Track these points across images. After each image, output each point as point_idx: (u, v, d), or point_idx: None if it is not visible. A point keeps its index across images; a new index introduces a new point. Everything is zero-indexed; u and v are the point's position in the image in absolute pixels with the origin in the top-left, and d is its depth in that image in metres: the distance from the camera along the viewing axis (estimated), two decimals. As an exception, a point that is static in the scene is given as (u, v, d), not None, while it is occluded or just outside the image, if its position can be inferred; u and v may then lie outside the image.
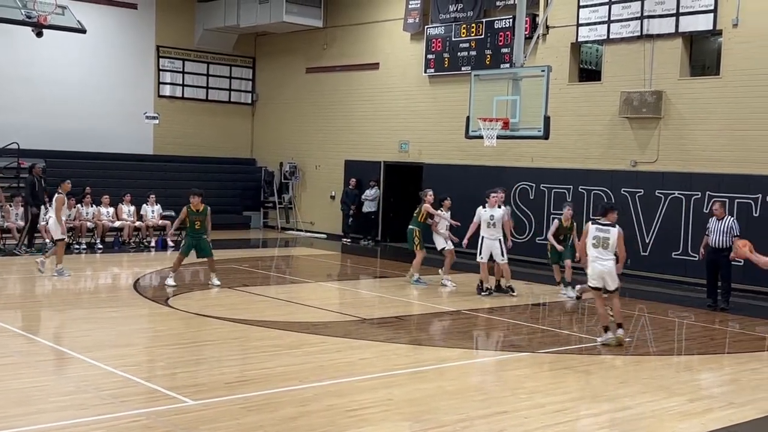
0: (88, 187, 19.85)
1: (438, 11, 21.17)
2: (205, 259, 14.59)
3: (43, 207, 17.54)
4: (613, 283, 10.58)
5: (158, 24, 25.05)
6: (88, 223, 19.30)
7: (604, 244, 10.47)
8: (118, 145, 23.83)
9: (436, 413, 7.58)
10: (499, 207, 14.25)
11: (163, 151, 24.96)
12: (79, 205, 19.31)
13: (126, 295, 13.71)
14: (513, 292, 14.26)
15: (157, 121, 24.25)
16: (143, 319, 12.14)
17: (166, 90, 25.46)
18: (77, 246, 18.81)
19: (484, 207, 14.23)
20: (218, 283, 14.26)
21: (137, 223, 19.94)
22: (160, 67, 25.29)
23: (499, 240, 14.09)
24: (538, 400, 8.14)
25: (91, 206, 19.60)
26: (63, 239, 14.84)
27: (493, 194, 14.24)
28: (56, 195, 14.84)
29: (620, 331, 10.68)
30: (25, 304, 12.69)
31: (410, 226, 15.48)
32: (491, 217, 14.04)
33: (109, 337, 10.63)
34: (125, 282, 15.35)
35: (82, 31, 18.12)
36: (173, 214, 21.35)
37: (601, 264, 10.48)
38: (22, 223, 18.33)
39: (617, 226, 10.69)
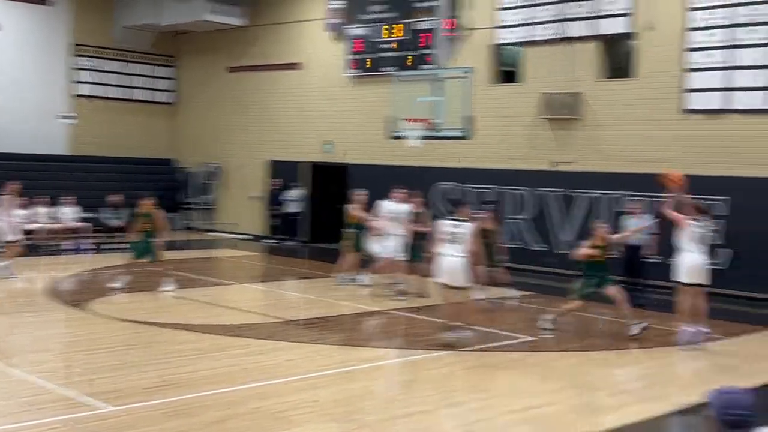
0: None
1: (360, 12, 21.19)
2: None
3: None
4: (461, 280, 10.22)
5: (75, 22, 24.40)
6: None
7: (457, 239, 10.19)
8: (32, 145, 23.12)
9: (361, 413, 7.60)
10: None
11: (82, 152, 24.33)
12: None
13: (42, 299, 13.31)
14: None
15: (73, 121, 23.63)
16: (60, 323, 11.80)
17: (84, 89, 24.82)
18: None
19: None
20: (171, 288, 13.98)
21: (53, 226, 19.39)
22: (78, 66, 24.65)
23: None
24: (461, 397, 8.23)
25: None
26: None
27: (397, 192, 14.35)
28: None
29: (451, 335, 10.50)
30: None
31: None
32: (397, 214, 13.85)
33: (25, 342, 10.32)
34: (41, 286, 14.89)
35: (-4, 28, 17.59)
36: (90, 215, 20.90)
37: (451, 259, 10.19)
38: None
39: (470, 221, 10.55)
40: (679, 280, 10.82)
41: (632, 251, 14.16)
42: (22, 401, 7.50)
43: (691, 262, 10.73)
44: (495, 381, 9.10)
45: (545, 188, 17.83)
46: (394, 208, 13.88)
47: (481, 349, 10.53)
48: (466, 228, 10.16)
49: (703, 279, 10.83)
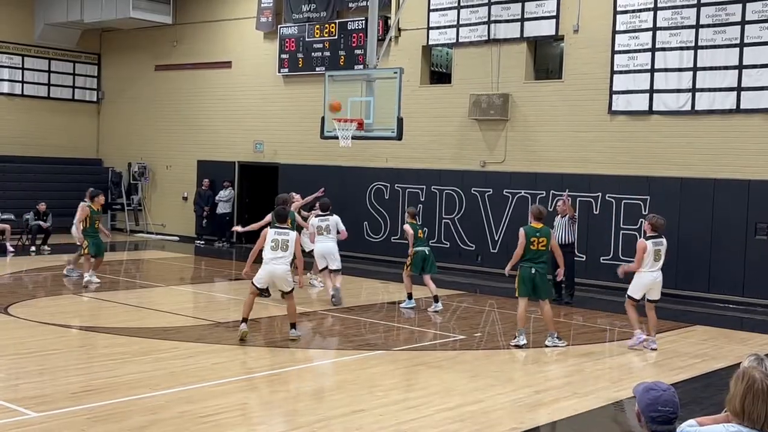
0: None
1: (291, 11, 21.06)
2: (95, 259, 14.62)
3: None
4: (286, 286, 10.74)
5: (-6, 17, 23.64)
6: None
7: (282, 246, 10.52)
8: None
9: (293, 415, 7.54)
10: (331, 214, 14.12)
11: (2, 151, 23.57)
12: None
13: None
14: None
15: (-7, 120, 22.90)
16: (-21, 329, 11.40)
17: (4, 87, 24.05)
18: None
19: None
20: (97, 281, 14.56)
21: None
22: (-3, 63, 23.89)
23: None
24: (394, 397, 8.24)
25: None
26: None
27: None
28: None
29: (292, 331, 10.68)
30: None
31: None
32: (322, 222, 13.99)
33: (-59, 349, 9.94)
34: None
35: None
36: (12, 217, 20.26)
37: (275, 265, 10.49)
38: None
39: (295, 231, 11.19)
40: (631, 295, 11.19)
41: (560, 249, 14.36)
42: (-62, 410, 7.22)
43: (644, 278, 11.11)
44: (428, 380, 9.13)
45: (475, 188, 17.99)
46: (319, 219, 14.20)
47: (413, 349, 10.57)
48: (292, 236, 10.67)
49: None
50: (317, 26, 20.49)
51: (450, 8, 18.44)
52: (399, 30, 19.08)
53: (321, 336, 11.44)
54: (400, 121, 14.34)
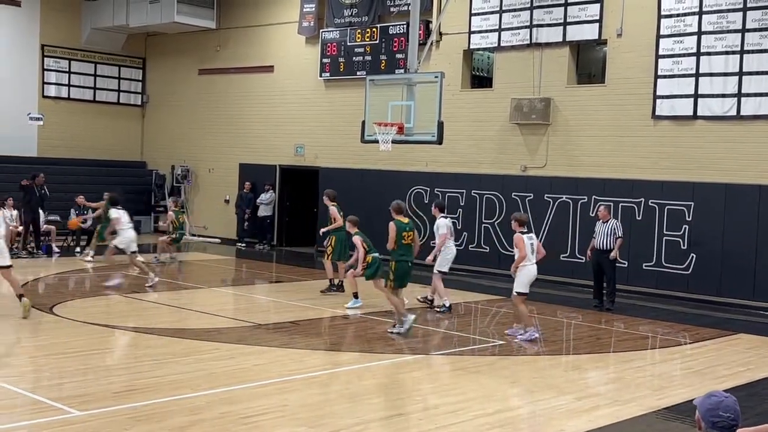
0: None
1: (333, 15, 21.18)
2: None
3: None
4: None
5: (43, 22, 24.11)
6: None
7: None
8: (5, 147, 22.78)
9: (332, 418, 7.56)
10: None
11: (49, 154, 24.04)
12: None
13: (8, 303, 13.09)
14: None
15: (41, 122, 23.32)
16: (27, 328, 11.61)
17: (52, 90, 24.54)
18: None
19: None
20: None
21: (20, 228, 19.09)
22: (45, 67, 24.36)
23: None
24: (432, 401, 8.23)
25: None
26: None
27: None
28: None
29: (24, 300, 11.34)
30: None
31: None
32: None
33: (-11, 347, 10.16)
34: (7, 290, 14.67)
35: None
36: (58, 219, 20.62)
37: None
38: None
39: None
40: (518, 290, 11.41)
41: (601, 255, 14.25)
42: (-14, 406, 7.38)
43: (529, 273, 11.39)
44: (466, 385, 9.10)
45: (515, 193, 17.90)
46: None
47: (451, 353, 10.55)
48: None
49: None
50: (359, 31, 20.57)
51: (492, 12, 18.39)
52: (440, 34, 19.07)
53: (360, 339, 11.46)
54: (440, 125, 14.32)
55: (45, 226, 19.52)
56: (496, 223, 18.28)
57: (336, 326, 12.10)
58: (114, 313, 12.34)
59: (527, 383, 9.15)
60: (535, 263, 11.45)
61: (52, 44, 24.35)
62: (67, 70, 24.76)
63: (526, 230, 11.51)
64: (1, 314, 12.28)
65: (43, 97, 24.30)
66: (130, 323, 11.42)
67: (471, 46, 18.86)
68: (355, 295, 13.36)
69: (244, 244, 22.79)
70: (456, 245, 14.40)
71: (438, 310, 13.45)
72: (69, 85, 24.85)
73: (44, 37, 24.16)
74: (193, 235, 24.03)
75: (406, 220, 11.70)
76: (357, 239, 12.75)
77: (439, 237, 13.57)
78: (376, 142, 14.90)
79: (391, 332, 11.41)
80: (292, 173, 22.48)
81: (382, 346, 10.81)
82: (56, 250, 18.87)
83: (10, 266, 11.65)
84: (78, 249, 19.49)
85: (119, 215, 14.94)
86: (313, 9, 21.48)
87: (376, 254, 12.64)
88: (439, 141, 14.59)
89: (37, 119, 23.19)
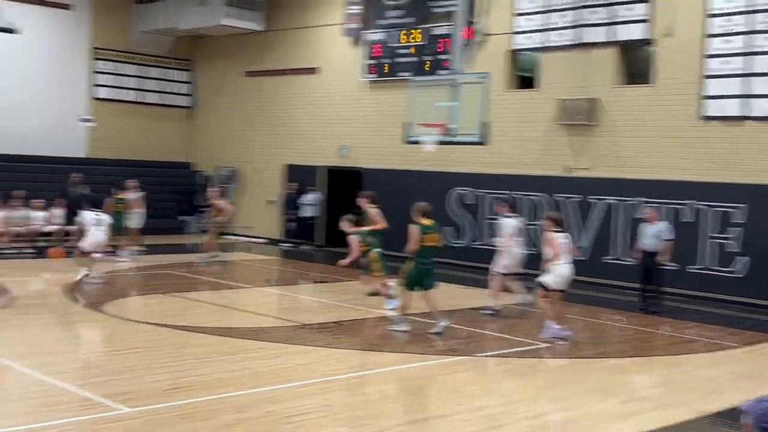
0: (20, 191, 19.37)
1: (378, 17, 21.23)
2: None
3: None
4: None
5: (94, 25, 24.56)
6: (18, 228, 18.77)
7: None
8: (51, 147, 23.27)
9: (375, 418, 7.58)
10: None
11: (99, 154, 24.47)
12: (8, 209, 18.81)
13: (58, 300, 13.39)
14: None
15: (91, 124, 23.74)
16: (76, 325, 11.87)
17: (102, 92, 24.99)
18: (7, 251, 18.29)
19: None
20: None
21: (70, 228, 19.45)
22: (96, 69, 24.82)
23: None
24: (477, 403, 8.20)
25: (22, 210, 19.10)
26: None
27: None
28: None
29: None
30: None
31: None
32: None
33: (41, 343, 10.37)
34: (57, 287, 14.98)
35: (15, 31, 17.69)
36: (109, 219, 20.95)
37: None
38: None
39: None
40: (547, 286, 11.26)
41: (648, 257, 14.07)
42: (39, 401, 7.54)
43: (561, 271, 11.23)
44: (511, 387, 9.06)
45: (561, 194, 17.75)
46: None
47: (496, 355, 10.50)
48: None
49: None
50: (403, 32, 20.59)
51: (537, 12, 18.27)
52: (485, 35, 19.00)
53: (403, 340, 11.46)
54: (484, 126, 14.29)
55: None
56: (540, 224, 18.12)
57: (379, 327, 12.11)
58: (161, 311, 12.51)
59: (572, 386, 9.06)
60: (570, 263, 11.29)
61: (102, 47, 24.80)
62: (117, 72, 25.19)
63: (560, 230, 11.36)
64: (51, 312, 12.55)
65: (94, 99, 24.76)
66: (177, 322, 11.57)
67: (516, 47, 18.76)
68: (382, 296, 13.45)
69: (288, 244, 22.93)
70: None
71: (484, 312, 13.18)
72: (118, 87, 25.29)
73: (95, 40, 24.61)
74: (234, 234, 24.27)
75: (430, 222, 11.51)
76: (354, 239, 13.14)
77: (503, 237, 13.14)
78: (420, 143, 14.92)
79: (391, 329, 11.50)
80: (336, 174, 22.57)
81: (426, 348, 10.80)
82: (107, 249, 19.03)
83: None
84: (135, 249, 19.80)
85: (84, 218, 14.92)
86: (358, 11, 21.56)
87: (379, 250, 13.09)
88: (484, 142, 14.55)
89: (87, 121, 23.61)
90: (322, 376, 9.03)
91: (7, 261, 17.53)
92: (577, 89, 17.57)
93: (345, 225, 13.39)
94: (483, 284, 16.40)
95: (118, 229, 17.47)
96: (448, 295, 15.68)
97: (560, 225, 11.47)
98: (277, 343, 10.59)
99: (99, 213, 14.80)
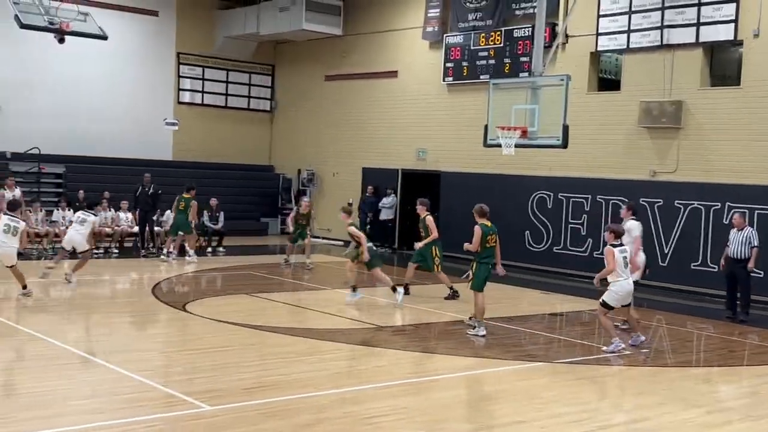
0: (106, 192, 20.00)
1: (457, 20, 21.19)
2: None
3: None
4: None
5: (179, 31, 25.23)
6: (107, 229, 19.40)
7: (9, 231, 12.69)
8: (137, 150, 23.97)
9: (451, 422, 7.56)
10: None
11: (182, 157, 25.11)
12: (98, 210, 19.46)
13: (144, 299, 13.78)
14: None
15: (176, 127, 24.36)
16: (161, 324, 12.19)
17: (186, 96, 25.63)
18: (96, 251, 18.92)
19: None
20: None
21: (156, 229, 19.99)
22: (180, 74, 25.46)
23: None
24: (555, 410, 8.09)
25: (110, 211, 19.72)
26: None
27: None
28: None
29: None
30: (44, 308, 12.75)
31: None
32: None
33: (127, 341, 10.70)
34: (143, 287, 15.43)
35: (104, 37, 18.25)
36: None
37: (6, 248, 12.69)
38: (42, 228, 18.60)
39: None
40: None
41: (735, 264, 13.65)
42: (124, 398, 7.78)
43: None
44: (591, 394, 8.92)
45: (644, 198, 17.38)
46: None
47: (575, 362, 10.35)
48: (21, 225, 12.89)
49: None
50: (483, 34, 20.50)
51: (620, 13, 17.94)
52: (566, 36, 18.76)
53: (480, 345, 11.41)
54: (565, 128, 14.11)
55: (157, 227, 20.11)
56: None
57: (456, 331, 12.07)
58: (243, 311, 12.74)
59: (655, 395, 8.86)
60: (630, 279, 10.83)
61: (187, 52, 25.43)
62: (201, 77, 25.81)
63: (619, 243, 10.88)
64: (137, 311, 12.93)
65: (178, 103, 25.41)
66: (257, 322, 11.77)
67: (598, 48, 18.47)
68: (354, 289, 13.85)
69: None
70: (580, 252, 14.09)
71: (619, 324, 12.15)
72: (202, 92, 25.89)
73: (179, 46, 25.26)
74: (315, 237, 24.53)
75: (489, 223, 11.62)
76: (353, 229, 13.88)
77: (633, 241, 12.31)
78: (499, 146, 14.82)
79: (470, 334, 11.49)
80: (413, 177, 22.60)
81: (502, 352, 10.72)
82: (189, 251, 19.43)
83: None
84: (209, 250, 20.23)
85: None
86: (438, 14, 21.57)
87: (369, 245, 13.96)
88: (564, 145, 14.37)
89: (173, 124, 24.24)
90: (398, 378, 9.05)
91: (95, 261, 18.13)
92: (661, 91, 17.18)
93: (343, 216, 14.28)
94: (563, 289, 16.23)
95: (181, 229, 18.22)
96: (527, 300, 15.56)
97: (619, 238, 10.99)
98: (354, 345, 10.67)
99: (87, 212, 15.03)
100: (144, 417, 7.18)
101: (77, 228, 14.86)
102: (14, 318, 11.50)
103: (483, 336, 11.36)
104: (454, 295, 14.41)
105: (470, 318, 11.91)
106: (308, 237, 18.73)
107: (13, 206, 13.62)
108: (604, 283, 10.85)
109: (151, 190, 19.50)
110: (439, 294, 14.65)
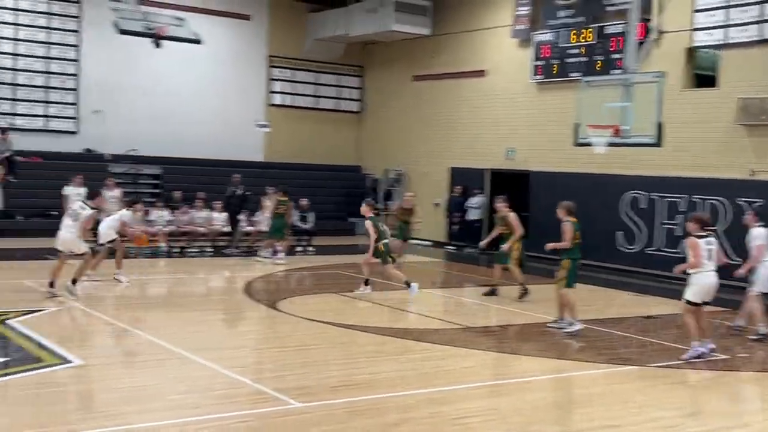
0: (201, 192, 20.51)
1: (547, 17, 20.92)
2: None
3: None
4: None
5: (270, 34, 25.70)
6: (201, 228, 19.91)
7: (74, 216, 12.52)
8: (230, 152, 24.51)
9: (541, 425, 7.47)
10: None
11: (273, 158, 25.55)
12: (192, 210, 20.00)
13: (236, 298, 14.08)
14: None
15: (268, 129, 24.81)
16: (252, 321, 12.43)
17: (276, 99, 26.07)
18: (190, 250, 19.46)
19: None
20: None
21: (248, 228, 20.41)
22: (271, 77, 25.92)
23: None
24: (650, 414, 7.90)
25: (204, 211, 20.22)
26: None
27: None
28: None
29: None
30: (140, 306, 13.14)
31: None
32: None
33: (220, 338, 10.96)
34: (235, 285, 15.76)
35: (198, 42, 18.72)
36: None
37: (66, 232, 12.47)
38: (140, 228, 19.22)
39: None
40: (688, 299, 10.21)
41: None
42: (218, 394, 7.96)
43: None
44: (686, 399, 8.67)
45: (742, 198, 16.79)
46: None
47: (669, 366, 10.07)
48: (86, 212, 12.53)
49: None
50: (573, 32, 20.17)
51: (718, 8, 17.39)
52: (660, 32, 18.29)
53: (571, 347, 11.23)
54: (659, 126, 13.77)
55: (247, 227, 20.44)
56: (721, 230, 17.21)
57: (545, 332, 11.90)
58: (331, 310, 12.87)
59: (755, 401, 8.56)
60: (715, 271, 10.22)
61: (278, 55, 25.87)
62: (291, 79, 26.21)
63: (705, 234, 10.27)
64: (229, 309, 13.22)
65: (269, 105, 25.87)
66: (345, 320, 11.87)
67: (694, 44, 17.94)
68: (366, 282, 13.90)
69: (453, 247, 22.98)
70: (675, 254, 13.70)
71: (752, 338, 11.66)
72: (292, 94, 26.30)
73: (270, 48, 25.72)
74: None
75: (575, 220, 11.63)
76: (369, 224, 13.90)
77: (755, 248, 11.80)
78: (590, 145, 14.57)
79: (552, 327, 11.58)
80: (502, 177, 22.41)
81: (594, 355, 10.52)
82: (280, 249, 19.70)
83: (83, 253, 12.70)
84: (299, 249, 20.52)
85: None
86: (527, 12, 21.34)
87: (386, 241, 14.15)
88: (658, 143, 14.03)
89: (264, 126, 24.68)
90: (486, 379, 9.00)
91: (189, 260, 18.63)
92: (761, 88, 16.56)
93: (364, 209, 14.42)
94: (655, 291, 15.82)
95: (278, 231, 18.25)
96: (619, 303, 15.24)
97: (706, 228, 10.42)
98: (441, 345, 10.65)
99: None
100: (237, 412, 7.34)
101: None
102: (111, 314, 11.91)
103: (578, 331, 11.29)
104: (525, 294, 14.19)
105: (560, 319, 11.73)
106: (407, 238, 17.90)
107: (92, 194, 13.61)
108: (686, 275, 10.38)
109: (240, 191, 19.90)
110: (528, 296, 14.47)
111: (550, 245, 11.60)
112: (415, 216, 18.26)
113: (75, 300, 12.28)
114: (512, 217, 14.40)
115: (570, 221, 11.53)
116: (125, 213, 15.22)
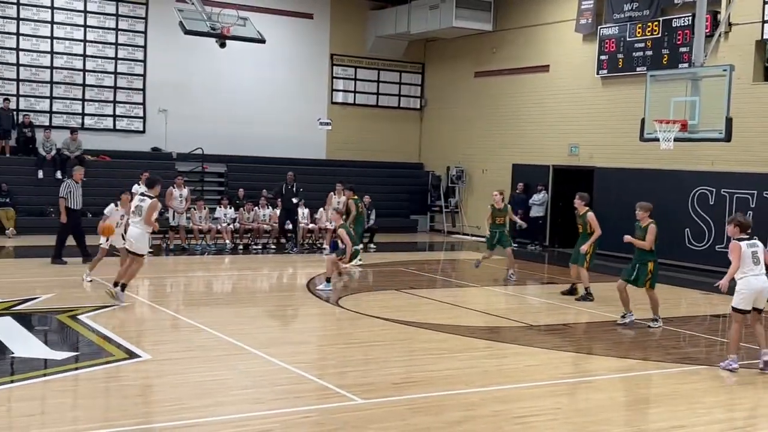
0: (264, 190, 20.76)
1: (612, 11, 20.59)
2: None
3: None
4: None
5: (332, 33, 25.86)
6: (265, 226, 20.15)
7: (138, 211, 11.91)
8: (293, 150, 24.75)
9: (606, 424, 7.36)
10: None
11: (335, 156, 25.72)
12: (256, 208, 20.25)
13: (299, 294, 14.22)
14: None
15: (330, 127, 24.98)
16: (315, 318, 12.53)
17: (339, 96, 26.22)
18: (254, 247, 19.71)
19: None
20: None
21: (311, 226, 20.58)
22: (334, 75, 26.08)
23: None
24: (717, 415, 7.73)
25: (267, 209, 20.45)
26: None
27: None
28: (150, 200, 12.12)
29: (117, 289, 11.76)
30: (206, 301, 13.38)
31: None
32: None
33: (284, 334, 11.09)
34: (299, 282, 15.91)
35: (262, 41, 18.93)
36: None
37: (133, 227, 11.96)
38: (205, 225, 19.49)
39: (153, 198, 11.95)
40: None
41: None
42: (282, 389, 8.05)
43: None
44: (757, 401, 8.44)
45: (816, 194, 16.29)
46: None
47: (740, 366, 9.81)
48: (146, 203, 11.88)
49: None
50: (639, 25, 19.82)
51: (790, -2, 16.88)
52: (729, 25, 17.84)
53: (636, 346, 11.04)
54: (728, 121, 13.44)
55: (303, 223, 20.51)
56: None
57: (610, 331, 11.73)
58: (393, 307, 12.90)
59: (828, 404, 8.29)
60: (763, 275, 9.44)
61: (340, 53, 26.01)
62: (353, 77, 26.33)
63: (747, 237, 9.58)
64: (293, 305, 13.36)
65: (332, 103, 26.04)
66: (408, 318, 11.88)
67: (765, 37, 17.44)
68: (328, 280, 13.99)
69: (516, 245, 22.77)
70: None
71: None
72: (354, 92, 26.43)
73: (333, 47, 25.89)
74: (465, 234, 24.51)
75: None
76: (342, 232, 14.40)
77: None
78: (657, 140, 14.30)
79: (653, 327, 11.64)
80: (565, 173, 22.15)
81: (661, 354, 10.32)
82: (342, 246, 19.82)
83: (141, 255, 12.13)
84: (360, 246, 20.58)
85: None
86: (591, 6, 21.05)
87: (359, 247, 14.83)
88: (728, 138, 13.70)
89: (326, 124, 24.86)
90: (550, 378, 8.90)
91: (254, 256, 18.88)
92: (837, 79, 16.04)
93: (335, 217, 14.83)
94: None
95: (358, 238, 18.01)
96: (687, 301, 14.93)
97: (747, 230, 9.65)
98: (504, 342, 10.59)
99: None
100: (300, 408, 7.41)
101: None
102: (179, 310, 12.14)
103: (660, 327, 11.57)
104: (587, 296, 13.89)
105: (654, 319, 11.87)
106: (510, 243, 16.72)
107: (149, 183, 12.44)
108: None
109: (294, 188, 20.00)
110: (596, 294, 14.26)
111: (632, 240, 11.50)
112: (509, 215, 16.95)
113: (126, 304, 11.87)
114: (591, 216, 13.79)
115: (654, 223, 11.51)
116: (108, 208, 13.98)
